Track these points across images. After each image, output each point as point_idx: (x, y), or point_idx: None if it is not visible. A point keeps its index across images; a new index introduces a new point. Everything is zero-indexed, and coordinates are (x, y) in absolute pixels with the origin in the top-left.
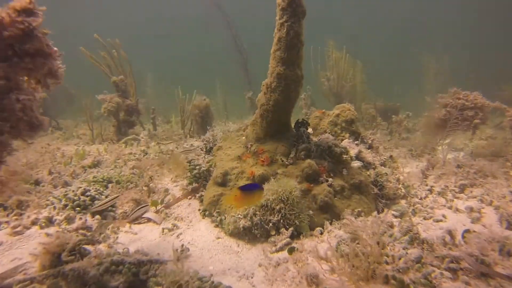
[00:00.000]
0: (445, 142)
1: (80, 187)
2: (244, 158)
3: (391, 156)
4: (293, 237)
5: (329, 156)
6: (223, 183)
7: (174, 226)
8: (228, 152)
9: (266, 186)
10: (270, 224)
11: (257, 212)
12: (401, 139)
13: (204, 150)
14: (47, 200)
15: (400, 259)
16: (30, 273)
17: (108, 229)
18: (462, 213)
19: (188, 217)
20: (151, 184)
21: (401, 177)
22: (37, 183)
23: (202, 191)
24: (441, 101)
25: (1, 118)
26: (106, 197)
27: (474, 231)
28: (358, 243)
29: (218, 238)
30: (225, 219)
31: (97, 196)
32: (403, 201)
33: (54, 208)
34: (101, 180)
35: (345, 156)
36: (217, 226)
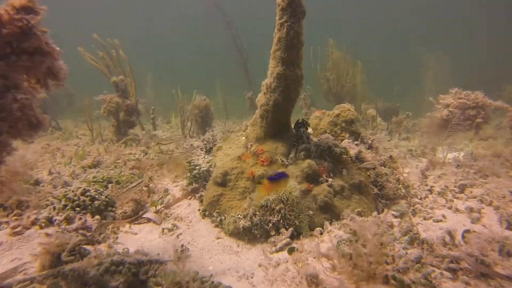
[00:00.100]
0: (447, 142)
1: (80, 187)
2: (244, 158)
3: (391, 156)
4: (293, 237)
5: (329, 156)
6: (223, 183)
7: (174, 226)
8: (228, 152)
9: None
10: (270, 224)
11: (257, 213)
12: (401, 139)
13: (204, 150)
14: (47, 200)
15: (400, 259)
16: (30, 273)
17: (108, 229)
18: (462, 213)
19: (188, 217)
20: (151, 185)
21: (401, 177)
22: (37, 183)
23: (202, 191)
24: (443, 102)
25: None
26: (106, 197)
27: (474, 231)
28: (359, 243)
29: (218, 238)
30: (225, 219)
31: (97, 196)
32: (403, 201)
33: (54, 208)
34: (101, 180)
35: (344, 156)
36: (217, 226)
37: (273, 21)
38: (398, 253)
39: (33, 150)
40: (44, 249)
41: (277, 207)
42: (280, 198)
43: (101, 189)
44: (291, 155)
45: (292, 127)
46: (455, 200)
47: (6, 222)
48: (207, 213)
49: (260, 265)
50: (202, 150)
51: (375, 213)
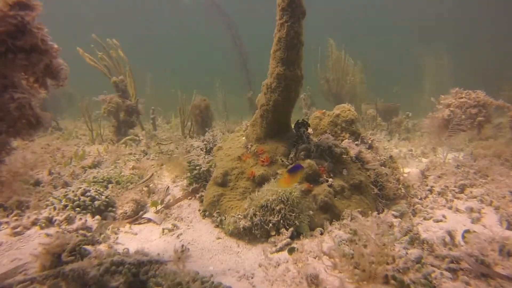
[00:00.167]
0: (448, 142)
1: (80, 188)
2: (244, 159)
3: (391, 157)
4: (293, 237)
5: (329, 157)
6: (223, 184)
7: (174, 227)
8: (228, 153)
9: (266, 187)
10: (270, 225)
11: (257, 213)
12: (401, 139)
13: (204, 150)
14: (47, 201)
15: (400, 259)
16: (30, 274)
17: (108, 229)
18: (462, 213)
19: (188, 217)
20: (151, 185)
21: (401, 178)
22: (37, 183)
23: (202, 191)
24: (444, 102)
25: None
26: (107, 197)
27: (474, 232)
28: (360, 243)
29: (218, 238)
30: (225, 219)
31: (97, 196)
32: (403, 202)
33: (54, 208)
34: (101, 180)
35: (345, 156)
36: (217, 226)
37: (273, 21)
38: (398, 253)
39: (33, 150)
40: (44, 249)
41: (277, 207)
42: (280, 198)
43: (101, 189)
44: (291, 155)
45: (292, 127)
46: (455, 200)
47: (6, 223)
48: (207, 213)
49: (260, 265)
50: (202, 150)
51: (375, 213)
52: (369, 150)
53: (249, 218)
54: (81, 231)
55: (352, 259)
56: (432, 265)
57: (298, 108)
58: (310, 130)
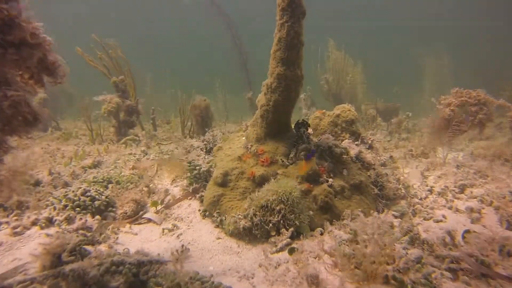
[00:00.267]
0: (448, 142)
1: (80, 188)
2: (244, 159)
3: (391, 157)
4: (294, 237)
5: (329, 157)
6: (223, 184)
7: (174, 227)
8: (228, 153)
9: (266, 187)
10: (270, 225)
11: (257, 213)
12: (401, 139)
13: (204, 150)
14: (47, 201)
15: (400, 259)
16: (31, 274)
17: (108, 229)
18: (462, 214)
19: (188, 217)
20: (151, 185)
21: (401, 178)
22: (37, 183)
23: (202, 191)
24: (444, 102)
25: None
26: (107, 197)
27: (474, 232)
28: (361, 243)
29: (219, 238)
30: (225, 219)
31: (97, 196)
32: (403, 202)
33: (54, 208)
34: (101, 180)
35: (345, 156)
36: (217, 226)
37: (273, 21)
38: (399, 253)
39: (33, 150)
40: (44, 249)
41: (278, 208)
42: (280, 198)
43: (101, 190)
44: (291, 155)
45: (292, 127)
46: (455, 200)
47: (7, 223)
48: (207, 213)
49: (260, 266)
50: (202, 151)
51: (375, 213)
52: (369, 150)
53: (249, 218)
54: (81, 231)
55: (353, 258)
56: (432, 265)
57: (298, 108)
58: (310, 130)
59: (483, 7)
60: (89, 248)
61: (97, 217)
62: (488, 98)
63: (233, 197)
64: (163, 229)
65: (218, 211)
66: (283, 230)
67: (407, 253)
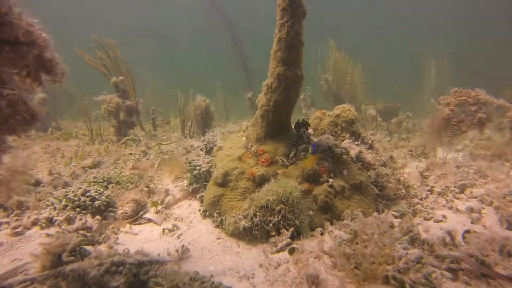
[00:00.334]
0: (448, 142)
1: (80, 188)
2: (245, 159)
3: (391, 157)
4: (294, 237)
5: (329, 157)
6: (223, 184)
7: (174, 227)
8: (228, 153)
9: (266, 187)
10: (271, 225)
11: (258, 213)
12: (400, 139)
13: (204, 150)
14: (47, 201)
15: (400, 259)
16: (31, 274)
17: (109, 229)
18: (462, 214)
19: (188, 217)
20: (151, 185)
21: (402, 178)
22: (37, 183)
23: (202, 191)
24: (443, 102)
25: None
26: (107, 197)
27: (475, 232)
28: (360, 243)
29: (219, 238)
30: (225, 219)
31: (97, 196)
32: (403, 202)
33: (55, 208)
34: (101, 180)
35: (345, 156)
36: (217, 226)
37: (273, 21)
38: (399, 253)
39: (33, 150)
40: (44, 249)
41: (278, 208)
42: (280, 198)
43: (101, 190)
44: (292, 155)
45: (293, 127)
46: (455, 200)
47: (7, 223)
48: (207, 213)
49: (260, 266)
50: (202, 151)
51: (375, 213)
52: (369, 150)
53: (249, 219)
54: (81, 231)
55: (353, 259)
56: (432, 265)
57: (298, 108)
58: (310, 130)
59: (483, 7)
60: (89, 248)
61: (97, 217)
62: (488, 98)
63: (233, 197)
64: (163, 229)
65: (218, 211)
66: (283, 230)
67: (407, 253)
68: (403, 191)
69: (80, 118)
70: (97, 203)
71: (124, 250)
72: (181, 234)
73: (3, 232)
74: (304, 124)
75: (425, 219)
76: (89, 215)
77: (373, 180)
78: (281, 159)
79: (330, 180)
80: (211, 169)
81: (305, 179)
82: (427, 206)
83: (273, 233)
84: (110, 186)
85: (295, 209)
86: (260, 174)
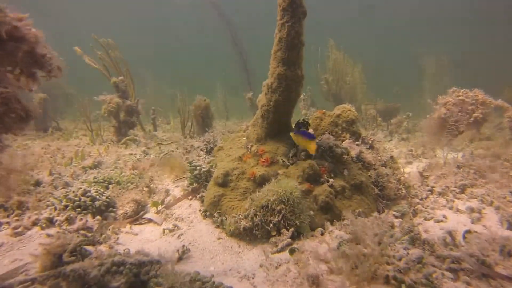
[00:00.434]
0: (446, 142)
1: (81, 188)
2: (245, 159)
3: (391, 157)
4: (294, 237)
5: (330, 157)
6: (224, 184)
7: (175, 227)
8: (228, 153)
9: (266, 187)
10: (271, 225)
11: (258, 213)
12: (400, 139)
13: (205, 150)
14: (47, 201)
15: (401, 259)
16: (31, 274)
17: (109, 230)
18: (462, 214)
19: (189, 217)
20: (151, 185)
21: (402, 178)
22: (37, 184)
23: (202, 191)
24: (441, 101)
25: None
26: (107, 197)
27: (475, 232)
28: (360, 244)
29: (219, 238)
30: (226, 219)
31: (97, 196)
32: (404, 202)
33: (55, 209)
34: (102, 180)
35: (345, 156)
36: (218, 226)
37: (273, 21)
38: (399, 254)
39: (33, 151)
40: (45, 249)
41: (278, 208)
42: (281, 198)
43: (101, 190)
44: (292, 155)
45: (293, 127)
46: (455, 200)
47: (7, 223)
48: (208, 213)
49: (261, 266)
50: (202, 151)
51: (376, 213)
52: (370, 151)
53: (250, 219)
54: (82, 232)
55: (352, 260)
56: (433, 266)
57: (298, 108)
58: (310, 130)
59: (483, 7)
60: (89, 248)
61: (98, 217)
62: (486, 99)
63: (233, 197)
64: (164, 229)
65: (218, 211)
66: (283, 230)
67: (408, 253)
68: (403, 191)
69: (80, 118)
70: (97, 203)
71: (124, 250)
72: (182, 234)
73: (4, 233)
74: (304, 124)
75: (425, 219)
76: (89, 215)
77: (373, 180)
78: (282, 159)
79: (331, 180)
80: (212, 169)
81: (306, 179)
82: (428, 206)
83: (274, 233)
84: (110, 186)
85: (296, 209)
86: (260, 174)
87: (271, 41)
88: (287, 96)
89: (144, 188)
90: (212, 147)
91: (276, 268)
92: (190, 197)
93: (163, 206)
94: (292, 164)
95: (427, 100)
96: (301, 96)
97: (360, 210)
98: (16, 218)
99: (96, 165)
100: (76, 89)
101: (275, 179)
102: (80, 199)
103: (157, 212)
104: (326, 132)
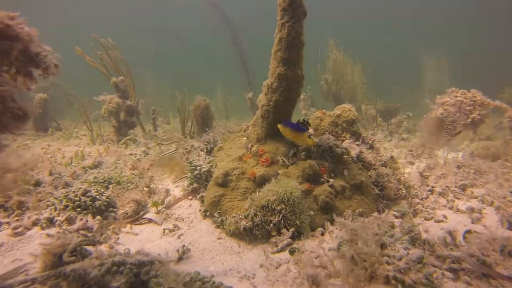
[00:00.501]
0: (445, 142)
1: (81, 188)
2: (245, 159)
3: (392, 157)
4: (294, 237)
5: (330, 157)
6: (224, 184)
7: (175, 227)
8: (228, 153)
9: (266, 187)
10: (271, 225)
11: (258, 213)
12: (400, 139)
13: (205, 151)
14: (47, 201)
15: (401, 259)
16: (31, 274)
17: (109, 230)
18: (463, 214)
19: (189, 217)
20: (151, 185)
21: (402, 178)
22: (38, 184)
23: (203, 191)
24: (439, 101)
25: None
26: (107, 197)
27: (475, 232)
28: (359, 244)
29: (219, 238)
30: (226, 219)
31: (98, 196)
32: (404, 202)
33: (55, 209)
34: (102, 181)
35: (346, 156)
36: (218, 226)
37: (274, 21)
38: (399, 254)
39: (33, 152)
40: (45, 249)
41: (278, 208)
42: (281, 198)
43: (102, 190)
44: (292, 155)
45: None
46: (456, 200)
47: (7, 223)
48: (208, 213)
49: (261, 266)
50: (202, 151)
51: (376, 213)
52: (370, 151)
53: (250, 219)
54: (82, 232)
55: (351, 260)
56: (433, 266)
57: (298, 108)
58: (311, 130)
59: (484, 7)
60: (90, 248)
61: (98, 217)
62: (484, 100)
63: (233, 197)
64: (164, 229)
65: (218, 211)
66: (283, 230)
67: (408, 253)
68: (403, 191)
69: (80, 118)
70: (97, 203)
71: (125, 250)
72: (182, 234)
73: (4, 233)
74: (304, 124)
75: (425, 219)
76: (89, 215)
77: (373, 180)
78: (282, 159)
79: (331, 180)
80: (212, 169)
81: (306, 179)
82: (428, 206)
83: (274, 233)
84: (110, 186)
85: (296, 209)
86: (260, 174)
87: (271, 41)
88: (287, 96)
89: (144, 188)
90: (212, 147)
91: (276, 268)
92: (190, 197)
93: (163, 206)
94: (292, 164)
95: (426, 100)
96: (301, 96)
97: (360, 210)
98: (16, 218)
99: (96, 165)
100: (76, 89)
101: (275, 179)
102: (80, 199)
103: (157, 212)
104: (326, 132)
